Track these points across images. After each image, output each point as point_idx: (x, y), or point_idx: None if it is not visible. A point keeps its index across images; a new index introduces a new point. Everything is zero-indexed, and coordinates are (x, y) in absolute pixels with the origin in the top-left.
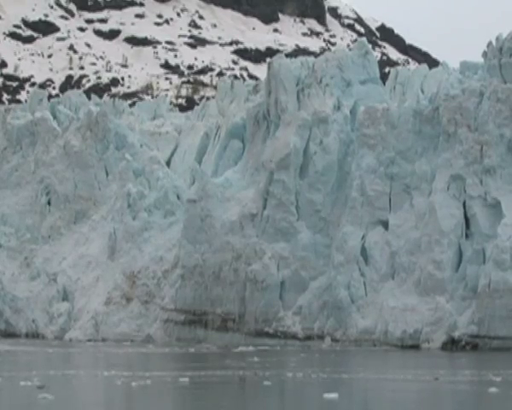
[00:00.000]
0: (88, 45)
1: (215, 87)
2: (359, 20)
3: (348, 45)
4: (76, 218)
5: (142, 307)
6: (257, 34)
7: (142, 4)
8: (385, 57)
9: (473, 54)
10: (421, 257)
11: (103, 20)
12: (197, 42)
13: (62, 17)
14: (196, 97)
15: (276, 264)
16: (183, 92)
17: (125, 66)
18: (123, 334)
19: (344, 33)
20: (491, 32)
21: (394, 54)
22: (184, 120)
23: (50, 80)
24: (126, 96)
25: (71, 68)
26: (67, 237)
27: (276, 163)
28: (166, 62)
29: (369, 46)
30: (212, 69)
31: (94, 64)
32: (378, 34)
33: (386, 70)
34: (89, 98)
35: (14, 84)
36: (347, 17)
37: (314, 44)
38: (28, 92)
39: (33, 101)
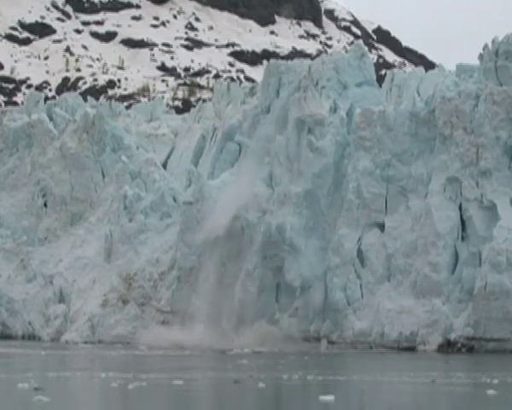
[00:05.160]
0: (84, 47)
1: (211, 89)
2: (356, 22)
3: (344, 48)
4: (72, 220)
5: (139, 309)
6: (253, 36)
7: (138, 6)
8: (381, 60)
9: (469, 56)
10: (417, 259)
11: (100, 23)
12: (194, 44)
13: (59, 19)
14: (193, 99)
15: None
16: (180, 94)
17: (121, 68)
18: (119, 336)
19: (340, 36)
20: (487, 35)
21: (390, 56)
22: (181, 122)
23: (47, 82)
24: (123, 98)
25: (67, 70)
26: (64, 239)
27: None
28: (163, 64)
29: (366, 48)
30: (208, 71)
31: (90, 66)
32: (374, 36)
33: (383, 72)
34: (85, 100)
35: (11, 86)
36: (344, 19)
37: (310, 47)
38: (24, 94)
39: (29, 103)
